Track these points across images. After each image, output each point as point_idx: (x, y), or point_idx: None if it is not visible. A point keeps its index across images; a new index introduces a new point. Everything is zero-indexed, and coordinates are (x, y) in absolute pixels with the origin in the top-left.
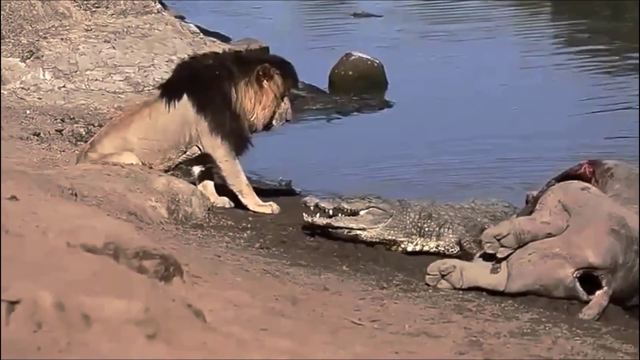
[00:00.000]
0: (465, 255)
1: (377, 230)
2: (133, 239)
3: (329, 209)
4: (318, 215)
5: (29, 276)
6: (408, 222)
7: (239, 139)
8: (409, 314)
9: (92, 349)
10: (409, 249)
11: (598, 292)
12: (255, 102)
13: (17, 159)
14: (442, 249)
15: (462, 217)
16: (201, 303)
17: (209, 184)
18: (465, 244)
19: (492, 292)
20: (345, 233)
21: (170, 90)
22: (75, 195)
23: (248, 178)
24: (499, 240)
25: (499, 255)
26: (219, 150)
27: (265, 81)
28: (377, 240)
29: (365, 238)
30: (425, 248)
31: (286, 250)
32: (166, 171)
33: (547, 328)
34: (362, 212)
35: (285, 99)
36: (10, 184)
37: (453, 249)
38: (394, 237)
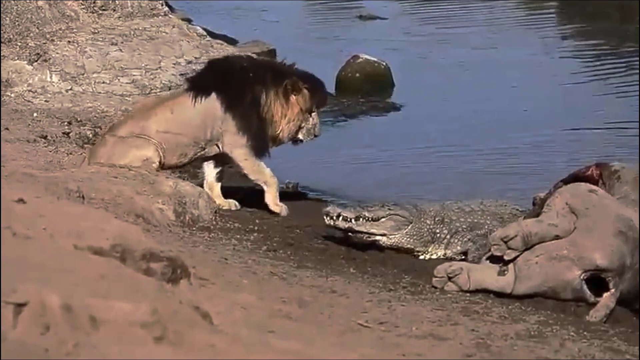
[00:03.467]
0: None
1: (397, 237)
2: (140, 241)
3: (351, 218)
4: (340, 218)
5: (36, 278)
6: (425, 229)
7: (261, 143)
8: (416, 316)
9: (100, 351)
10: (421, 257)
11: (605, 294)
12: (281, 115)
13: (25, 162)
14: (449, 257)
15: (471, 225)
16: (208, 305)
17: (216, 187)
18: (470, 256)
19: (500, 294)
20: (365, 238)
21: (198, 86)
22: (83, 198)
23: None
24: (506, 242)
25: (506, 258)
26: (240, 150)
27: (292, 95)
28: (396, 247)
29: (384, 244)
30: (434, 256)
31: (293, 252)
32: (180, 166)
33: (554, 330)
34: (382, 219)
35: (314, 115)
36: (18, 187)
37: (457, 257)
38: (411, 246)
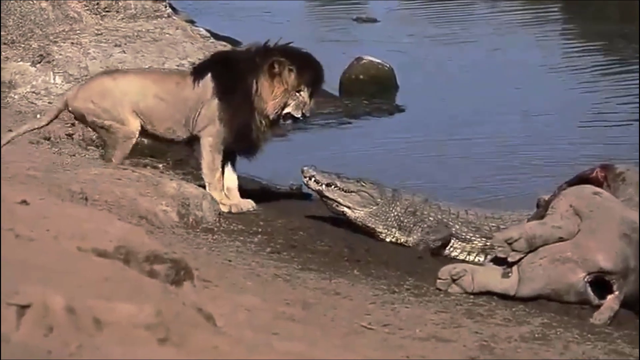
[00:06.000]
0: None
1: (360, 213)
2: (144, 243)
3: (322, 183)
4: (313, 180)
5: (39, 280)
6: (392, 215)
7: (244, 137)
8: (420, 318)
9: (103, 353)
10: (387, 239)
11: (609, 297)
12: (268, 92)
13: (28, 163)
14: (410, 245)
15: (438, 221)
16: (212, 307)
17: (233, 187)
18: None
19: (503, 297)
20: (334, 206)
21: (198, 69)
22: (86, 200)
23: (257, 182)
24: (510, 244)
25: (510, 260)
26: (209, 137)
27: (277, 73)
28: (360, 223)
29: (349, 217)
30: (400, 241)
31: (297, 254)
32: (169, 140)
33: (558, 332)
34: (352, 193)
35: (303, 93)
36: (21, 188)
37: (417, 247)
38: (373, 226)
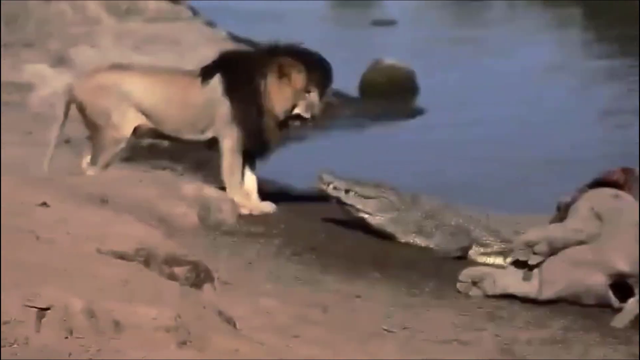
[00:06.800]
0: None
1: (380, 219)
2: (164, 245)
3: (341, 189)
4: (331, 186)
5: (59, 282)
6: (411, 220)
7: (255, 137)
8: (441, 321)
9: (123, 356)
10: (404, 241)
11: (630, 300)
12: (277, 92)
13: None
14: (430, 247)
15: (457, 225)
16: (232, 310)
17: (252, 190)
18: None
19: (524, 300)
20: (353, 212)
21: (206, 70)
22: (106, 202)
23: (277, 184)
24: (530, 247)
25: (530, 263)
26: (228, 140)
27: (285, 74)
28: (379, 228)
29: (369, 222)
30: (419, 243)
31: (317, 257)
32: (174, 140)
33: (578, 336)
34: (371, 199)
35: (312, 94)
36: (41, 191)
37: (437, 254)
38: (393, 232)
